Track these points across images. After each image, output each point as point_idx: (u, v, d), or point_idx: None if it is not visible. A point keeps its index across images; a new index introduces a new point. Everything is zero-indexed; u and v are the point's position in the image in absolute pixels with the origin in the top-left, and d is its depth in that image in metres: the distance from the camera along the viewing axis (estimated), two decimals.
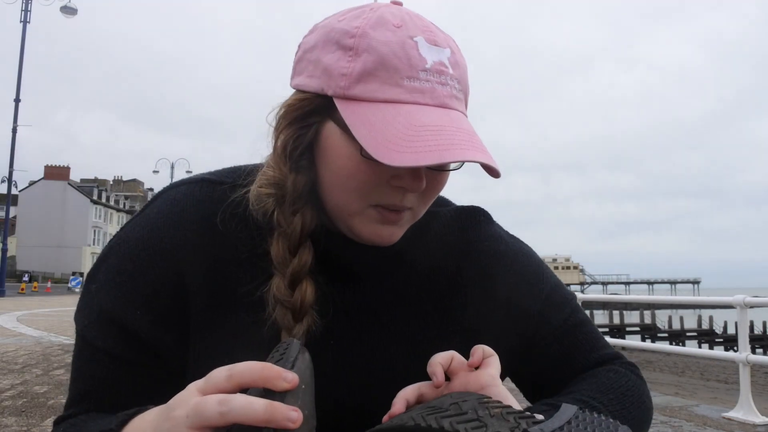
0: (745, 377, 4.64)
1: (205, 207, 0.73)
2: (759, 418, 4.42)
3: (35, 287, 34.79)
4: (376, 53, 0.64)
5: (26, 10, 23.48)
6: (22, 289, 30.34)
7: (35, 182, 64.31)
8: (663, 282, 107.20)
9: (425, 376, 0.67)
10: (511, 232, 0.89)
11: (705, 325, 32.03)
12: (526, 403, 0.81)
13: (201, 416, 0.48)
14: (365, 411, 0.70)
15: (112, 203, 70.13)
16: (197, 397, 0.50)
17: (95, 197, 65.92)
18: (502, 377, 0.83)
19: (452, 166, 0.69)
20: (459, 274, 0.80)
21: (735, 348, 16.97)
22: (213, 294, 0.71)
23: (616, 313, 31.68)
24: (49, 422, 3.63)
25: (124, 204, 72.74)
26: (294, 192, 0.69)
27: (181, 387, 0.55)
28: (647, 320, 31.07)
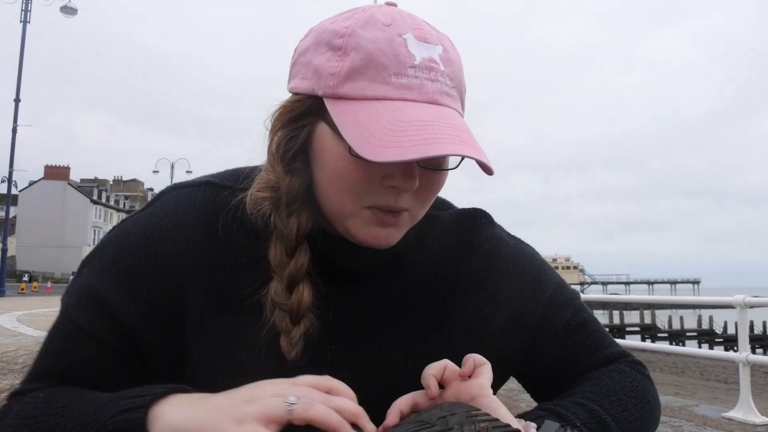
0: (745, 377, 4.63)
1: (207, 211, 0.73)
2: (759, 418, 4.42)
3: (35, 287, 34.79)
4: (364, 51, 0.64)
5: (26, 10, 23.48)
6: (22, 289, 30.35)
7: (35, 182, 64.34)
8: (663, 282, 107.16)
9: None
10: (512, 233, 0.89)
11: (705, 325, 32.04)
12: (526, 404, 0.80)
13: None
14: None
15: (112, 203, 70.13)
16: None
17: (95, 197, 65.94)
18: (504, 380, 0.83)
19: (450, 165, 0.69)
20: (460, 277, 0.79)
21: (735, 348, 16.96)
22: (212, 297, 0.71)
23: (616, 313, 31.70)
24: None
25: (124, 204, 72.74)
26: (289, 194, 0.69)
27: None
28: (647, 320, 31.09)
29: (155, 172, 36.61)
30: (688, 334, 30.69)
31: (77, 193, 64.73)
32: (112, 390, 0.65)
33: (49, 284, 40.77)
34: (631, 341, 12.54)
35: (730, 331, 28.83)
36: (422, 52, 0.65)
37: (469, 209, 0.85)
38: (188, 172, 33.86)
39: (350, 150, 0.63)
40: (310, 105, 0.68)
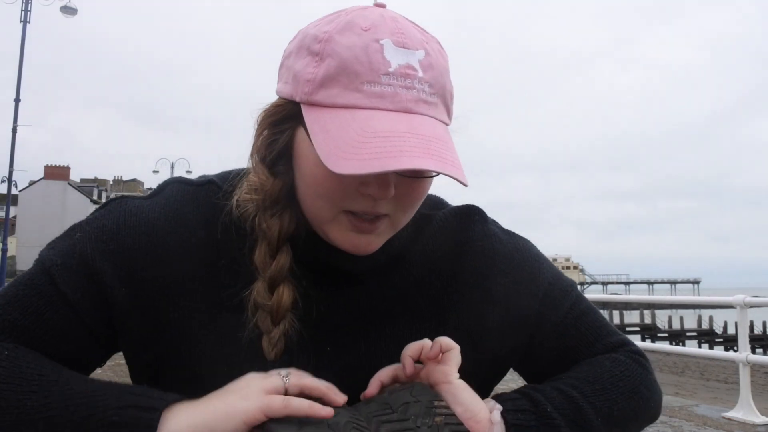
0: (745, 377, 4.64)
1: (207, 213, 0.74)
2: (759, 418, 4.42)
3: None
4: (338, 58, 0.63)
5: (26, 10, 23.46)
6: None
7: (35, 182, 64.31)
8: (663, 282, 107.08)
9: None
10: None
11: (705, 325, 32.03)
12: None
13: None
14: None
15: None
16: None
17: (95, 197, 65.91)
18: (502, 375, 0.83)
19: (432, 172, 0.67)
20: (455, 275, 0.79)
21: (735, 348, 16.95)
22: (206, 298, 0.71)
23: (616, 313, 31.71)
24: None
25: None
26: (271, 196, 0.70)
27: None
28: (647, 320, 31.08)
29: (155, 172, 36.57)
30: (688, 334, 30.67)
31: (77, 193, 64.70)
32: (63, 364, 0.66)
33: None
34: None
35: (730, 331, 28.81)
36: (399, 58, 0.63)
37: (462, 206, 0.85)
38: (188, 172, 33.85)
39: None
40: (291, 110, 0.68)
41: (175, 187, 0.76)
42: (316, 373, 0.69)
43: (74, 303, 0.68)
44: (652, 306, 32.41)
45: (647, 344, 15.83)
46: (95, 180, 75.02)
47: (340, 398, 0.66)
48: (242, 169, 0.76)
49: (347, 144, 0.60)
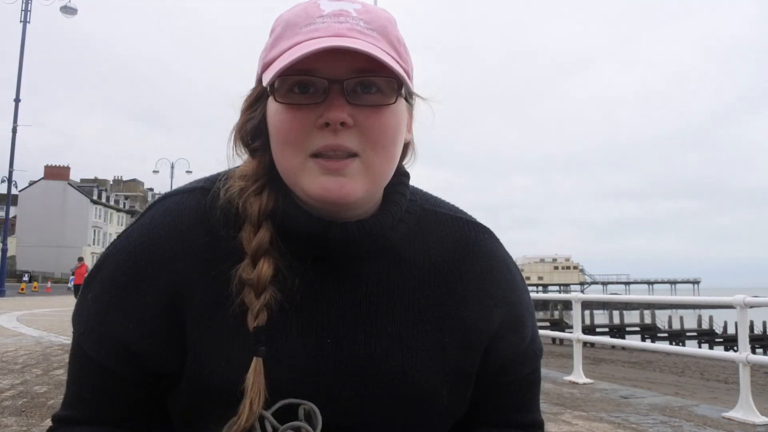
0: (745, 377, 4.64)
1: (199, 214, 0.74)
2: (759, 418, 4.42)
3: (35, 287, 34.83)
4: (283, 21, 0.71)
5: (26, 10, 23.49)
6: (22, 289, 30.38)
7: (35, 182, 64.35)
8: (663, 282, 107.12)
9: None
10: (512, 233, 0.89)
11: (705, 325, 32.07)
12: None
13: None
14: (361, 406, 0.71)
15: (112, 203, 70.16)
16: None
17: (95, 197, 65.95)
18: (469, 373, 0.81)
19: (387, 101, 0.68)
20: (459, 276, 0.79)
21: (735, 348, 16.96)
22: (207, 295, 0.71)
23: (616, 313, 31.67)
24: (49, 422, 3.60)
25: (124, 204, 72.75)
26: (254, 175, 0.73)
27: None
28: (647, 320, 31.08)
29: (155, 172, 36.61)
30: (688, 334, 30.73)
31: (77, 193, 64.74)
32: (146, 412, 0.73)
33: (49, 284, 40.82)
34: (631, 341, 12.53)
35: (730, 331, 28.87)
36: (333, 6, 0.70)
37: (476, 221, 0.85)
38: (188, 172, 33.87)
39: (274, 96, 0.68)
40: (260, 90, 0.73)
41: (160, 203, 0.78)
42: (317, 365, 0.70)
43: (105, 364, 0.72)
44: (652, 306, 32.44)
45: (647, 344, 15.85)
46: (95, 180, 75.01)
47: None
48: (229, 170, 0.77)
49: (279, 61, 0.67)
